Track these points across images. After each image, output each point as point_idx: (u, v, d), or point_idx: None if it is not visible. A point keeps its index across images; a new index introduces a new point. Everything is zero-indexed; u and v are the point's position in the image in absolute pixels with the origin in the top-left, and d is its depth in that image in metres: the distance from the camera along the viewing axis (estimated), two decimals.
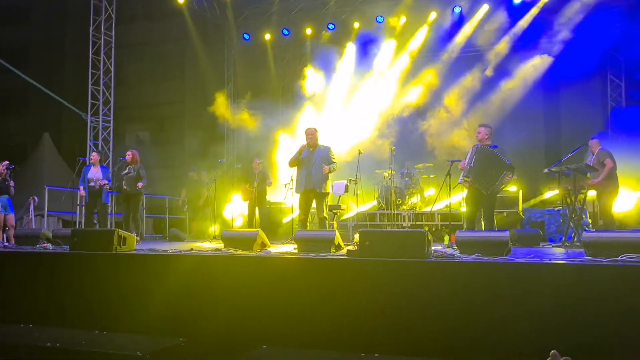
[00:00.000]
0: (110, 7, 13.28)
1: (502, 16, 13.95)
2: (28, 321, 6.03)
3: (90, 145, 13.01)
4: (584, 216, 9.53)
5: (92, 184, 9.92)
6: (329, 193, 8.37)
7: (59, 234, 7.56)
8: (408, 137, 13.82)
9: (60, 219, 13.92)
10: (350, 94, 15.07)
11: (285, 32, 16.90)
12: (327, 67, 16.11)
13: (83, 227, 10.47)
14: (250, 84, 17.42)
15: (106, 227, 10.15)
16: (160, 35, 21.45)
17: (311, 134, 8.27)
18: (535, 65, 13.72)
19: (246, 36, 17.16)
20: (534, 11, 13.83)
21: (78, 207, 11.85)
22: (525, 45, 14.14)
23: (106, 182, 9.93)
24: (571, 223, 8.31)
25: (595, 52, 13.40)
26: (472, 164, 7.57)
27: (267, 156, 13.85)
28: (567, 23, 13.36)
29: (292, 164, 8.35)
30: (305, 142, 8.27)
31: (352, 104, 14.95)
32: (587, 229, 9.64)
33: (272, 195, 12.83)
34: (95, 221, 10.27)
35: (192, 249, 6.75)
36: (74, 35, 21.39)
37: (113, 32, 13.37)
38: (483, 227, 7.85)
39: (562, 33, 13.48)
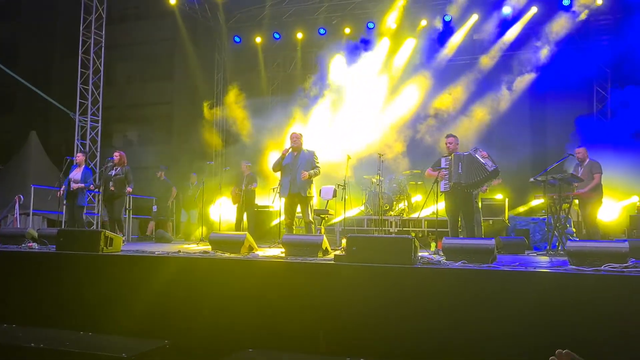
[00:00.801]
0: (101, 6, 13.23)
1: (491, 26, 14.11)
2: (12, 321, 5.98)
3: (77, 145, 12.93)
4: (568, 225, 9.66)
5: (72, 184, 9.87)
6: (312, 197, 8.39)
7: (44, 234, 7.51)
8: (398, 144, 13.86)
9: (46, 218, 13.81)
10: (342, 100, 15.09)
11: (277, 35, 16.98)
12: (318, 70, 16.20)
13: (64, 226, 10.38)
14: (240, 87, 17.42)
15: (81, 227, 10.04)
16: (150, 35, 21.41)
17: (296, 138, 8.31)
18: (523, 75, 13.88)
19: (237, 39, 17.20)
20: (522, 22, 14.01)
21: (64, 206, 11.77)
22: (513, 55, 14.33)
23: (82, 185, 9.81)
24: (555, 232, 8.41)
25: (581, 64, 13.60)
26: (460, 171, 7.70)
27: (256, 159, 13.85)
28: (555, 35, 13.55)
29: (275, 168, 8.39)
30: (288, 147, 8.29)
31: (343, 110, 14.97)
32: (571, 237, 9.79)
33: (260, 199, 12.84)
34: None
35: (179, 251, 6.73)
36: (63, 34, 21.32)
37: (103, 32, 13.32)
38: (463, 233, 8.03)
39: (550, 45, 13.65)
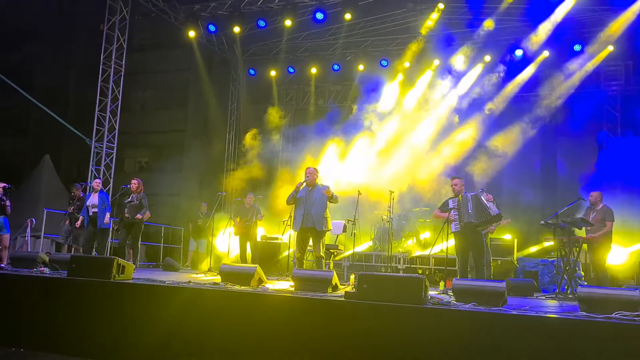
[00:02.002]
0: (123, 36, 13.56)
1: (502, 68, 14.32)
2: (21, 345, 6.02)
3: (92, 171, 13.08)
4: (577, 268, 9.61)
5: (89, 210, 10.00)
6: (327, 231, 8.38)
7: (56, 259, 7.57)
8: (407, 182, 13.91)
9: (54, 241, 13.89)
10: (355, 136, 15.23)
11: (291, 70, 17.27)
12: (330, 106, 16.45)
13: (72, 251, 10.43)
14: (253, 119, 17.66)
15: (104, 254, 10.12)
16: (167, 65, 21.83)
17: (310, 173, 8.36)
18: (534, 117, 14.00)
19: (252, 71, 17.49)
20: (534, 65, 14.20)
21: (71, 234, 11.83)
22: (523, 97, 14.49)
23: (106, 210, 9.99)
24: (565, 275, 8.38)
25: (591, 107, 13.74)
26: (470, 211, 7.76)
27: (267, 191, 13.94)
28: (565, 78, 13.75)
29: (290, 202, 8.42)
30: (302, 181, 8.34)
31: (355, 146, 15.11)
32: (580, 281, 9.73)
33: (269, 230, 12.89)
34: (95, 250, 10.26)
35: (189, 281, 6.77)
36: (81, 61, 21.77)
37: (123, 61, 13.61)
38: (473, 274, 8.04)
39: (561, 88, 13.82)
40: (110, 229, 10.51)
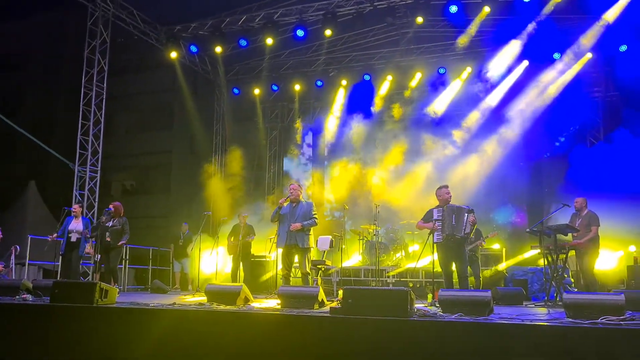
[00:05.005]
0: (104, 59, 13.52)
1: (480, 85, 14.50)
2: None
3: (76, 195, 12.95)
4: (566, 275, 9.62)
5: (71, 235, 9.94)
6: (311, 248, 8.34)
7: (39, 285, 7.47)
8: (393, 195, 13.92)
9: (42, 268, 13.71)
10: (338, 150, 15.29)
11: (275, 87, 17.33)
12: (314, 121, 16.50)
13: (59, 277, 10.33)
14: (238, 137, 17.65)
15: (77, 279, 10.02)
16: (150, 86, 21.80)
17: (294, 189, 8.33)
18: (514, 126, 14.10)
19: (236, 90, 17.51)
20: (515, 75, 14.34)
21: (60, 256, 11.74)
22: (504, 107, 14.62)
23: (87, 234, 9.93)
24: (553, 282, 8.38)
25: (575, 114, 13.90)
26: (453, 223, 7.73)
27: (254, 209, 13.88)
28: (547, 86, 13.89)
29: (273, 219, 8.37)
30: (284, 198, 8.30)
31: (336, 158, 15.15)
32: (569, 288, 9.73)
33: (256, 249, 12.81)
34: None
35: (174, 303, 6.69)
36: (67, 86, 21.70)
37: (105, 84, 13.55)
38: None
39: (543, 95, 13.95)
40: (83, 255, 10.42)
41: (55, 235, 10.02)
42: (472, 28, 13.41)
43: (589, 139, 14.95)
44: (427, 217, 8.06)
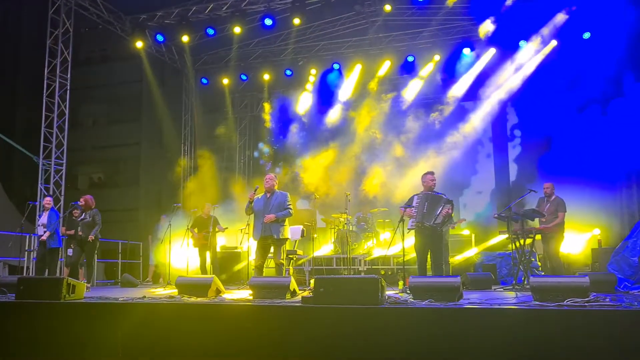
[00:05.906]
0: (67, 50, 13.16)
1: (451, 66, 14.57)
2: None
3: (41, 189, 12.64)
4: (533, 259, 9.81)
5: (38, 229, 9.73)
6: (287, 239, 8.33)
7: (4, 282, 7.28)
8: (365, 183, 13.97)
9: (7, 264, 13.41)
10: (309, 138, 15.25)
11: (244, 77, 17.19)
12: (284, 110, 16.41)
13: (33, 273, 10.11)
14: (208, 128, 17.47)
15: (55, 274, 9.80)
16: (116, 77, 21.37)
17: (270, 179, 8.29)
18: (484, 114, 14.24)
19: (204, 80, 17.27)
20: (481, 63, 14.45)
21: (26, 252, 11.49)
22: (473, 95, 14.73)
23: (48, 232, 9.66)
24: (521, 266, 8.54)
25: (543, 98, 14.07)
26: (425, 210, 7.79)
27: (223, 201, 13.76)
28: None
29: (247, 212, 8.30)
30: (252, 191, 8.22)
31: (309, 149, 15.11)
32: (536, 272, 9.93)
33: (227, 240, 12.73)
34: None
35: (144, 297, 6.60)
36: (27, 78, 21.10)
37: (69, 75, 13.19)
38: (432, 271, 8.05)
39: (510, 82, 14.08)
40: (61, 248, 10.19)
41: (45, 234, 9.75)
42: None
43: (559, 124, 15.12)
44: (408, 203, 8.09)
